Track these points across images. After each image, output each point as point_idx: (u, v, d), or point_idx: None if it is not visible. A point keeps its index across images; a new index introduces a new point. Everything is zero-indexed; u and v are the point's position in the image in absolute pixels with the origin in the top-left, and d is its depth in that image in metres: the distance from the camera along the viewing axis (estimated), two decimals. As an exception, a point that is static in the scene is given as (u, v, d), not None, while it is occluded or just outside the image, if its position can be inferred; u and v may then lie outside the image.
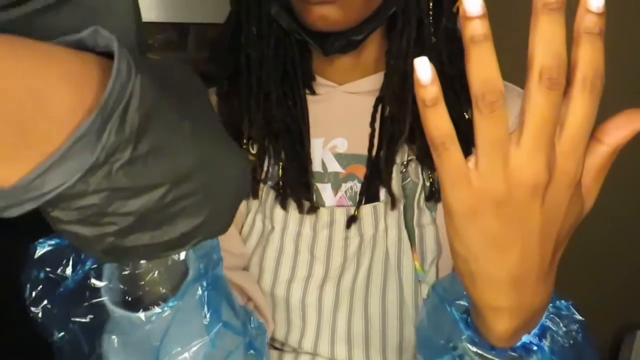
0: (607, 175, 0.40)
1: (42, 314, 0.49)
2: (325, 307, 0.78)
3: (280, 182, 0.79)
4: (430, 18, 0.77)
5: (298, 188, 0.78)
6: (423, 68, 0.36)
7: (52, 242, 0.49)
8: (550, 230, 0.40)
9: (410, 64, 0.77)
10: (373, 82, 0.81)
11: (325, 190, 0.80)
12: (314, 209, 0.78)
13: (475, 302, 0.44)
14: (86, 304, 0.50)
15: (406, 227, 0.78)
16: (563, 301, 0.48)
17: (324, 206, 0.79)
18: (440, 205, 0.79)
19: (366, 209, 0.78)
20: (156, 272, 0.49)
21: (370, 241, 0.78)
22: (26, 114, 0.29)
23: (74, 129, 0.31)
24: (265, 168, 0.80)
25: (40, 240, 0.49)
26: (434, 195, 0.79)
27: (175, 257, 0.50)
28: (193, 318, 0.50)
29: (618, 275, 1.67)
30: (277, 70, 0.79)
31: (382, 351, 0.78)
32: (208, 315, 0.51)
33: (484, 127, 0.37)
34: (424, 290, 0.77)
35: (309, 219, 0.79)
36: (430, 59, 0.77)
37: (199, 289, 0.50)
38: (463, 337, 0.46)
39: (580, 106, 0.36)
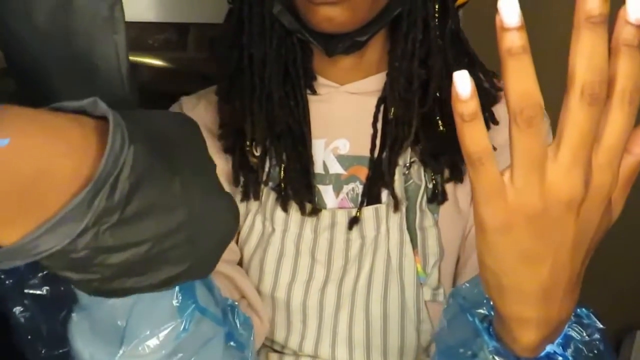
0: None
1: None
2: (326, 309, 0.78)
3: (282, 184, 0.78)
4: (436, 20, 0.77)
5: (300, 190, 0.78)
6: (463, 82, 0.36)
7: None
8: (582, 244, 0.40)
9: (416, 66, 0.76)
10: (375, 83, 0.80)
11: (326, 192, 0.79)
12: (315, 211, 0.78)
13: (502, 314, 0.44)
14: (41, 274, 0.47)
15: (408, 229, 0.77)
16: (584, 309, 0.49)
17: (325, 208, 0.78)
18: (442, 208, 0.79)
19: (368, 211, 0.78)
20: None
21: (371, 243, 0.77)
22: (30, 185, 0.33)
23: (69, 197, 0.34)
24: (266, 169, 0.80)
25: None
26: (436, 197, 0.78)
27: None
28: (162, 298, 0.48)
29: (618, 275, 1.68)
30: (279, 70, 0.77)
31: (384, 354, 0.78)
32: (179, 296, 0.48)
33: (521, 142, 0.36)
34: (426, 293, 0.77)
35: (310, 221, 0.78)
36: (436, 61, 0.77)
37: None
38: (489, 349, 0.46)
39: (619, 119, 0.36)
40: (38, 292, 0.48)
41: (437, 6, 0.77)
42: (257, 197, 0.79)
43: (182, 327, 0.48)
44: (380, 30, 0.76)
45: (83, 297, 0.47)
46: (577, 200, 0.37)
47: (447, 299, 0.52)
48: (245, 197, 0.80)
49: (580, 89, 0.35)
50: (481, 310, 0.49)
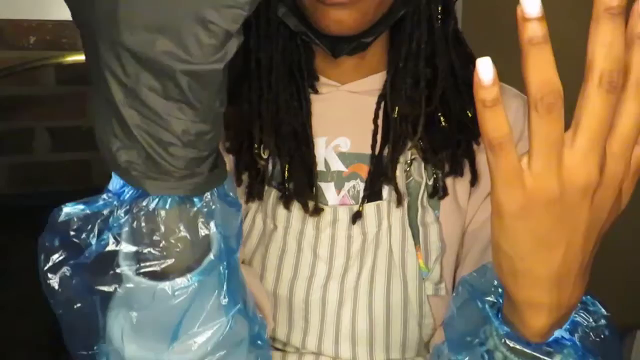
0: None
1: (60, 283, 0.46)
2: (329, 306, 0.78)
3: (286, 184, 0.79)
4: (439, 21, 0.78)
5: (303, 188, 0.78)
6: (486, 69, 0.37)
7: (78, 207, 0.46)
8: (594, 230, 0.41)
9: (423, 66, 0.77)
10: (375, 82, 0.81)
11: (328, 189, 0.80)
12: (318, 210, 0.78)
13: (514, 299, 0.45)
14: (112, 272, 0.47)
15: (410, 225, 0.78)
16: (589, 297, 0.50)
17: (327, 205, 0.79)
18: (442, 203, 0.80)
19: (369, 208, 0.78)
20: (181, 234, 0.46)
21: (373, 240, 0.78)
22: None
23: None
24: (269, 169, 0.80)
25: (65, 205, 0.46)
26: (437, 192, 0.80)
27: (203, 231, 0.47)
28: (211, 297, 0.49)
29: (617, 275, 1.69)
30: (284, 73, 0.78)
31: (386, 349, 0.78)
32: (227, 295, 0.49)
33: (540, 129, 0.37)
34: (428, 287, 0.78)
35: (312, 218, 0.79)
36: (442, 61, 0.78)
37: (220, 267, 0.49)
38: (502, 333, 0.46)
39: (633, 109, 0.38)
40: (106, 288, 0.47)
41: (439, 8, 0.78)
42: (260, 197, 0.80)
43: (228, 325, 0.50)
44: (384, 31, 0.77)
45: (141, 295, 0.47)
46: (593, 186, 0.38)
47: (456, 287, 0.53)
48: (250, 198, 0.80)
49: (598, 77, 0.36)
50: (489, 298, 0.50)
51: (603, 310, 0.49)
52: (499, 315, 0.49)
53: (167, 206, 0.44)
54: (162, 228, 0.45)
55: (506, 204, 0.40)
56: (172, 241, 0.46)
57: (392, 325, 0.78)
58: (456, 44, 0.80)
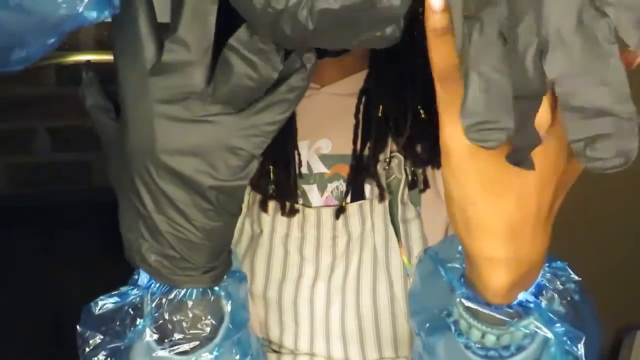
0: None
1: None
2: (317, 306, 0.76)
3: (273, 186, 0.77)
4: (421, 23, 0.76)
5: (285, 190, 0.77)
6: None
7: (112, 299, 0.51)
8: (550, 177, 0.38)
9: (405, 65, 0.75)
10: (355, 82, 0.79)
11: (311, 191, 0.78)
12: (293, 211, 0.76)
13: (470, 254, 0.42)
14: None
15: (392, 223, 0.76)
16: (559, 262, 0.46)
17: (310, 207, 0.77)
18: (423, 198, 0.77)
19: (353, 208, 0.76)
20: (207, 321, 0.50)
21: (358, 239, 0.76)
22: None
23: None
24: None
25: (100, 298, 0.51)
26: (415, 184, 0.77)
27: (222, 312, 0.51)
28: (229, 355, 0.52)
29: (617, 275, 1.66)
30: None
31: (378, 347, 0.76)
32: (239, 352, 0.52)
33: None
34: None
35: (296, 221, 0.77)
36: (424, 61, 0.76)
37: (234, 333, 0.52)
38: (458, 293, 0.43)
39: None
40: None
41: (421, 9, 0.76)
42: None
43: None
44: None
45: None
46: (543, 125, 0.35)
47: (419, 255, 0.51)
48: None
49: None
50: (455, 265, 0.47)
51: (573, 275, 0.46)
52: (462, 280, 0.46)
53: (194, 297, 0.49)
54: (190, 315, 0.50)
55: (453, 143, 0.38)
56: (199, 327, 0.50)
57: (381, 323, 0.76)
58: None
